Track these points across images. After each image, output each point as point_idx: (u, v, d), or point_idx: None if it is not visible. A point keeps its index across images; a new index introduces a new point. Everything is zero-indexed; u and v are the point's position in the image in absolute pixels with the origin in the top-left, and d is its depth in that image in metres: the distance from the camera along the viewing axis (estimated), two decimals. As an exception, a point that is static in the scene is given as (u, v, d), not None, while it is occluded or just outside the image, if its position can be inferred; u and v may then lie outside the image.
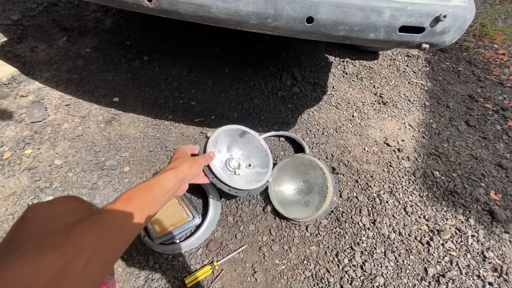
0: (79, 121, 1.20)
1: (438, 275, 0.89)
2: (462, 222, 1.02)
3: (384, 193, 1.09)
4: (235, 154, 1.02)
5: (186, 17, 0.70)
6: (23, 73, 1.38)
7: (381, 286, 0.84)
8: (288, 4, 0.64)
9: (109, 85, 1.39)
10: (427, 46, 0.71)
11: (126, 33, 1.72)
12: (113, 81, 1.41)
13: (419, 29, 0.69)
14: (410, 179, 1.16)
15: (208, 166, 0.82)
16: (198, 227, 0.89)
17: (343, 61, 1.79)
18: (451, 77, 1.74)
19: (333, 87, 1.58)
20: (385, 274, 0.87)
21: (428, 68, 1.81)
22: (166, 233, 0.84)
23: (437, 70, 1.80)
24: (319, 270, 0.86)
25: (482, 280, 0.87)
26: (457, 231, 1.00)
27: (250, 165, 0.99)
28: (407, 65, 1.82)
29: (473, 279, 0.88)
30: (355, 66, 1.77)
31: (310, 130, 1.32)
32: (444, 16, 0.65)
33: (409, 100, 1.56)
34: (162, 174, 0.59)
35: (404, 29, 0.68)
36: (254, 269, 0.84)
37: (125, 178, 1.03)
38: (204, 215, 0.92)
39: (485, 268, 0.90)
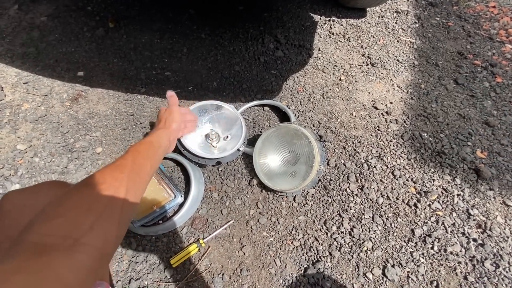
0: (41, 100, 1.08)
1: (425, 235, 0.90)
2: (448, 182, 1.02)
3: (372, 158, 1.06)
4: (215, 128, 1.00)
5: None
6: (-31, 48, 1.21)
7: (369, 250, 0.85)
8: None
9: (72, 57, 1.24)
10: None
11: (85, -3, 1.52)
12: (76, 53, 1.26)
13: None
14: (398, 142, 1.13)
15: (179, 140, 0.88)
16: (181, 205, 0.85)
17: (329, 20, 1.66)
18: (441, 34, 1.66)
19: (319, 49, 1.48)
20: (373, 238, 0.87)
21: (417, 25, 1.72)
22: (147, 215, 0.80)
23: (426, 27, 1.71)
24: (308, 239, 0.85)
25: (466, 237, 0.89)
26: (444, 191, 1.00)
27: (227, 137, 0.99)
28: (396, 22, 1.71)
29: (458, 236, 0.89)
30: (341, 25, 1.65)
31: (296, 97, 1.25)
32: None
33: (397, 60, 1.49)
34: (156, 133, 0.63)
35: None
36: (242, 243, 0.83)
37: (98, 160, 0.95)
38: (186, 193, 0.88)
39: (469, 225, 0.92)
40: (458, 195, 0.99)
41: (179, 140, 0.91)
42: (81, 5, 1.47)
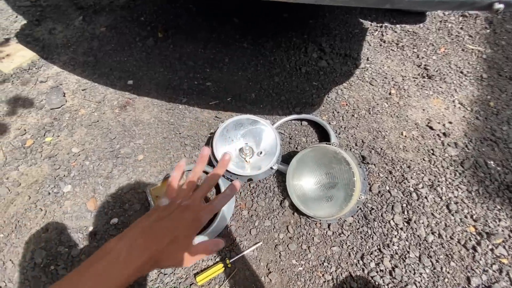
0: (95, 106, 1.18)
1: (483, 285, 0.76)
2: (520, 224, 0.86)
3: (423, 187, 0.94)
4: (249, 143, 0.99)
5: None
6: (42, 57, 1.37)
7: (413, 296, 0.74)
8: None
9: (124, 66, 1.33)
10: (502, 6, 0.52)
11: (140, 8, 1.62)
12: (127, 62, 1.36)
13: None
14: (456, 170, 0.98)
15: (212, 153, 0.89)
16: (210, 221, 0.84)
17: (381, 27, 1.53)
18: (520, 41, 1.41)
19: (367, 59, 1.37)
20: (419, 283, 0.76)
21: (488, 31, 1.49)
22: (178, 228, 0.81)
23: (499, 33, 1.47)
24: (341, 274, 0.78)
25: (541, 296, 0.73)
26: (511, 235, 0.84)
27: (261, 152, 0.97)
28: (461, 28, 1.51)
29: (529, 294, 0.74)
30: (395, 32, 1.51)
31: (338, 112, 1.17)
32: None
33: (461, 72, 1.30)
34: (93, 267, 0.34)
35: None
36: (269, 269, 0.79)
37: (139, 167, 1.00)
38: (217, 208, 0.87)
39: (546, 282, 0.75)
40: (532, 242, 0.82)
41: (212, 152, 0.91)
42: (135, 16, 1.58)
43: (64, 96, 1.21)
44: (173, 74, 1.30)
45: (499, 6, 0.51)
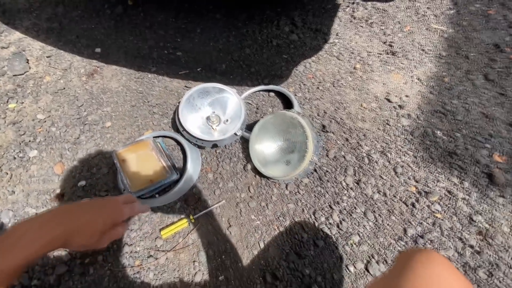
0: (61, 74, 1.16)
1: (417, 235, 0.87)
2: (455, 184, 0.97)
3: (375, 153, 1.03)
4: (216, 111, 1.02)
5: None
6: (3, 22, 1.31)
7: (355, 244, 0.84)
8: None
9: (91, 34, 1.30)
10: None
11: (108, -27, 1.55)
12: (95, 29, 1.32)
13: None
14: (406, 138, 1.08)
15: (178, 119, 0.92)
16: (176, 182, 0.89)
17: (353, 3, 1.56)
18: (478, 23, 1.49)
19: (337, 34, 1.41)
20: (362, 233, 0.86)
21: (453, 11, 1.56)
22: (143, 188, 0.85)
23: (463, 14, 1.54)
24: (294, 227, 0.86)
25: (463, 242, 0.85)
26: (447, 194, 0.95)
27: (227, 120, 1.01)
28: (428, 8, 1.56)
29: (453, 240, 0.86)
30: (366, 9, 1.54)
31: (305, 84, 1.22)
32: None
33: (423, 50, 1.38)
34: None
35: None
36: (229, 223, 0.86)
37: (107, 134, 1.02)
38: (183, 171, 0.92)
39: (469, 231, 0.87)
40: (463, 199, 0.94)
41: (178, 119, 0.95)
42: (104, -18, 1.52)
43: (27, 62, 1.18)
44: (143, 43, 1.28)
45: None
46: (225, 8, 1.46)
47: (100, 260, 0.80)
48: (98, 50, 1.24)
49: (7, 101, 1.07)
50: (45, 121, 1.03)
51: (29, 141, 0.98)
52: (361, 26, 1.47)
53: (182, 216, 0.87)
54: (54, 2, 1.41)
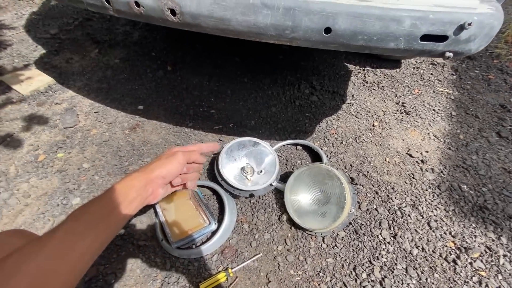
0: (106, 127, 1.27)
1: (466, 296, 0.83)
2: (493, 240, 0.95)
3: (406, 206, 1.04)
4: (250, 162, 1.08)
5: (207, 30, 0.73)
6: (58, 82, 1.49)
7: (402, 305, 0.80)
8: (306, 16, 0.65)
9: (135, 93, 1.46)
10: (451, 54, 0.69)
11: (151, 45, 1.82)
12: (139, 90, 1.49)
13: (442, 38, 0.67)
14: (434, 192, 1.10)
15: (217, 169, 0.99)
16: (214, 233, 0.90)
17: (364, 70, 1.76)
18: (481, 86, 1.66)
19: (352, 96, 1.56)
20: (407, 292, 0.82)
21: (455, 77, 1.74)
22: (183, 238, 0.86)
23: (465, 79, 1.72)
24: (336, 284, 0.83)
25: (516, 305, 0.80)
26: (487, 250, 0.93)
27: (261, 171, 1.06)
28: (431, 74, 1.76)
29: (506, 303, 0.81)
30: (376, 74, 1.74)
31: (328, 139, 1.30)
32: (469, 24, 0.63)
33: (433, 110, 1.50)
34: (129, 178, 0.53)
35: (426, 37, 0.67)
36: (268, 279, 0.84)
37: (146, 183, 1.07)
38: (220, 221, 0.94)
39: (519, 292, 0.83)
40: (504, 255, 0.91)
41: (218, 169, 1.00)
42: (146, 51, 1.76)
43: (77, 117, 1.30)
44: (180, 101, 1.43)
45: (449, 54, 0.68)
46: (251, 73, 1.65)
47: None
48: (140, 107, 1.38)
49: (56, 151, 1.15)
50: (89, 170, 1.10)
51: (73, 188, 1.03)
52: (374, 89, 1.63)
53: (220, 269, 0.85)
54: (104, 67, 1.62)
